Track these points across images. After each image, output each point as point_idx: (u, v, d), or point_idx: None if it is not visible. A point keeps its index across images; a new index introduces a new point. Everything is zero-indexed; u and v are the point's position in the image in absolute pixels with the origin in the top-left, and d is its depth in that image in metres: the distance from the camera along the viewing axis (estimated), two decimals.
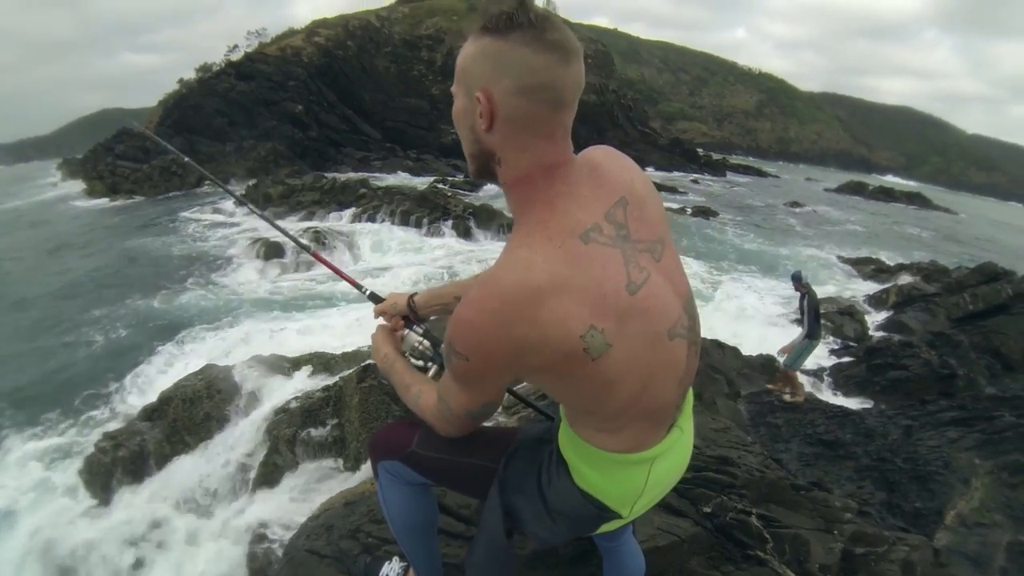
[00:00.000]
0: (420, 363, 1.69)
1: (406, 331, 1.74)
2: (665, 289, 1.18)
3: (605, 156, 1.27)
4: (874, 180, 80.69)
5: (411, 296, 1.78)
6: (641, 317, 1.11)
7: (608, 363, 1.09)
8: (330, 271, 2.10)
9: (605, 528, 1.47)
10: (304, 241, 2.34)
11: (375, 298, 1.85)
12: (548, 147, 1.12)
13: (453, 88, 1.17)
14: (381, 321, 1.81)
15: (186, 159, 2.49)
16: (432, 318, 1.82)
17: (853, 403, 8.89)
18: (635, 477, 1.31)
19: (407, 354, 1.71)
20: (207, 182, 31.23)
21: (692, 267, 16.82)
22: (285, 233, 2.31)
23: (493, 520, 1.47)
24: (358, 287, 1.94)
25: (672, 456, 1.36)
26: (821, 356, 11.30)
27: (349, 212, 19.60)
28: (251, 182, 28.39)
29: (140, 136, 38.17)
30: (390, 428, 1.67)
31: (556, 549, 2.22)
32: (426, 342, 1.72)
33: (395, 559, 2.12)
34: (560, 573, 2.19)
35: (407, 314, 1.77)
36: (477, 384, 1.20)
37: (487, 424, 1.69)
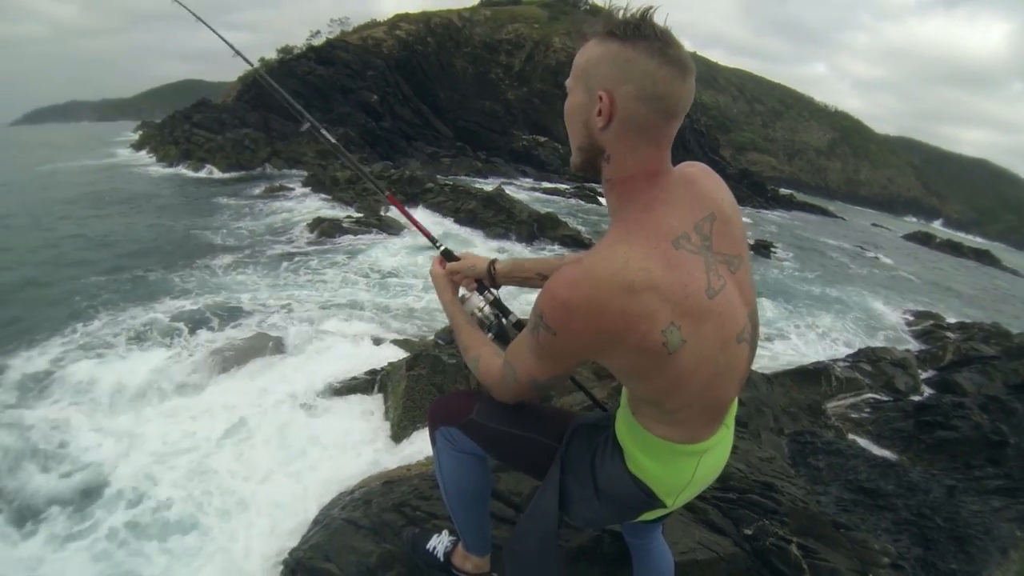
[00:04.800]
0: None
1: (470, 294, 1.78)
2: (736, 297, 1.28)
3: (701, 173, 1.38)
4: (942, 232, 78.08)
5: (492, 262, 1.84)
6: (716, 320, 1.20)
7: (682, 358, 1.18)
8: (409, 223, 2.11)
9: (646, 516, 1.54)
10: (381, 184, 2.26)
11: (449, 255, 1.87)
12: (654, 154, 1.22)
13: (569, 83, 1.25)
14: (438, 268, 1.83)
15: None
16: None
17: (896, 457, 8.68)
18: (686, 468, 1.40)
19: None
20: (274, 158, 31.97)
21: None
22: (363, 172, 2.24)
23: (549, 497, 1.54)
24: (433, 240, 1.96)
25: (718, 452, 1.45)
26: (867, 406, 11.04)
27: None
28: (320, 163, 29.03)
29: (217, 108, 39.23)
30: (452, 396, 1.75)
31: (599, 546, 2.28)
32: (487, 309, 1.75)
33: (444, 532, 2.19)
34: (601, 571, 2.24)
35: (483, 278, 1.82)
36: (553, 357, 1.28)
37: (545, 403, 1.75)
